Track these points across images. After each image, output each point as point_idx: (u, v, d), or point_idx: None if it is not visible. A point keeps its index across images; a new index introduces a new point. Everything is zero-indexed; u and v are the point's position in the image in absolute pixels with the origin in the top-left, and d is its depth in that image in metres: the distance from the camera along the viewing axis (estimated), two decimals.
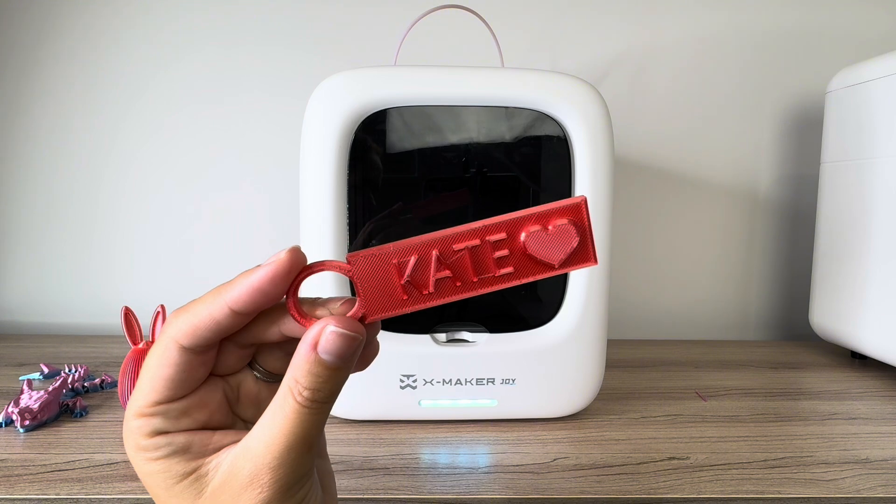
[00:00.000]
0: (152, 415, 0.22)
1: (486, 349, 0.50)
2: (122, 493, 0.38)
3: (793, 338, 0.88)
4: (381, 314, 0.23)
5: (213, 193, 0.82)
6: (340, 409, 0.51)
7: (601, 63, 0.82)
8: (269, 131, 0.81)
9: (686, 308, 0.87)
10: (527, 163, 0.69)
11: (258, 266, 0.22)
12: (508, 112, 0.50)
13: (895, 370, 0.68)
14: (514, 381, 0.50)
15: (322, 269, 0.23)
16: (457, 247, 0.23)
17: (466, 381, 0.50)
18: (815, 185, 0.75)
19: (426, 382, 0.50)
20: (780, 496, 0.40)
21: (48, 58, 0.79)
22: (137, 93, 0.80)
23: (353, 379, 0.51)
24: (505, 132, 0.71)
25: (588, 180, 0.49)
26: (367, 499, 0.39)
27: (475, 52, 0.73)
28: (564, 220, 0.22)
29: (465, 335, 0.51)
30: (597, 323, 0.50)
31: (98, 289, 0.83)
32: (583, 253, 0.23)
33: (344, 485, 0.40)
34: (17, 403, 0.49)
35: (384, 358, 0.49)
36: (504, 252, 0.23)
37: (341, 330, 0.22)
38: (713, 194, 0.85)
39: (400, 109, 0.49)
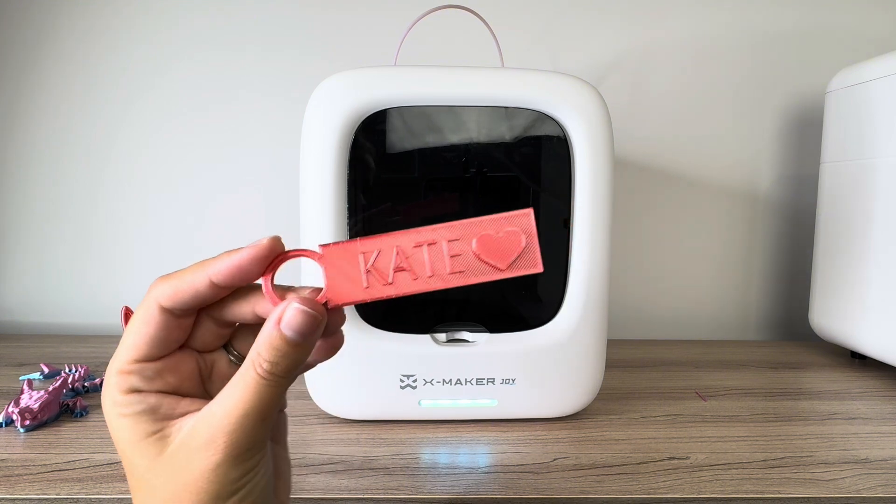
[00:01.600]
0: (130, 372, 0.24)
1: (486, 349, 0.50)
2: (122, 493, 0.38)
3: (793, 338, 0.88)
4: (344, 301, 0.25)
5: (213, 194, 0.82)
6: (340, 409, 0.51)
7: (601, 63, 0.82)
8: (269, 131, 0.81)
9: (686, 308, 0.87)
10: (527, 163, 0.69)
11: (241, 247, 0.24)
12: (508, 112, 0.50)
13: (895, 370, 0.68)
14: (514, 381, 0.50)
15: (297, 256, 0.26)
16: (416, 244, 0.25)
17: (466, 381, 0.50)
18: (815, 185, 0.75)
19: (426, 382, 0.50)
20: (780, 496, 0.40)
21: (48, 59, 0.79)
22: (137, 93, 0.80)
23: (354, 379, 0.51)
24: (505, 132, 0.70)
25: (588, 180, 0.49)
26: (367, 499, 0.39)
27: (475, 52, 0.73)
28: (514, 228, 0.25)
29: (465, 335, 0.51)
30: (597, 323, 0.51)
31: (98, 289, 0.83)
32: (530, 258, 0.25)
33: (344, 485, 0.40)
34: (17, 403, 0.49)
35: (384, 358, 0.49)
36: (458, 253, 0.25)
37: (303, 308, 0.24)
38: (713, 194, 0.85)
39: (400, 109, 0.49)
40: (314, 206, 0.48)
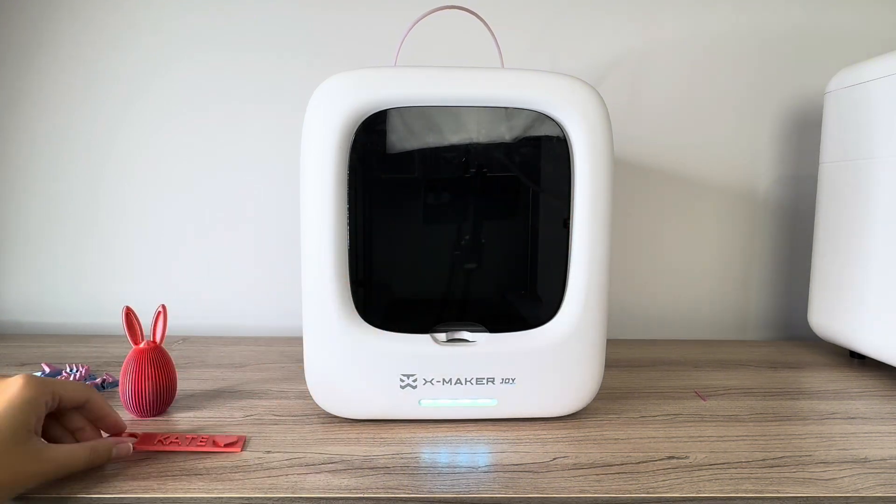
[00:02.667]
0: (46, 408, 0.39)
1: (486, 349, 0.50)
2: (122, 493, 0.38)
3: (792, 338, 0.88)
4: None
5: (213, 193, 0.82)
6: (340, 408, 0.51)
7: (601, 63, 0.82)
8: (270, 132, 0.81)
9: (686, 308, 0.87)
10: (527, 163, 0.69)
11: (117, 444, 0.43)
12: (508, 112, 0.50)
13: (894, 370, 0.68)
14: (513, 380, 0.50)
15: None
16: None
17: (466, 381, 0.50)
18: (814, 185, 0.75)
19: (426, 382, 0.50)
20: (779, 495, 0.40)
21: (47, 58, 0.79)
22: (137, 93, 0.80)
23: (354, 379, 0.51)
24: (505, 132, 0.71)
25: (588, 180, 0.49)
26: (367, 498, 0.39)
27: (475, 53, 0.73)
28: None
29: (465, 335, 0.51)
30: (596, 323, 0.51)
31: (99, 289, 0.83)
32: None
33: (344, 484, 0.40)
34: None
35: (384, 358, 0.49)
36: None
37: (130, 448, 0.43)
38: (713, 194, 0.85)
39: (400, 110, 0.49)
40: (314, 206, 0.48)
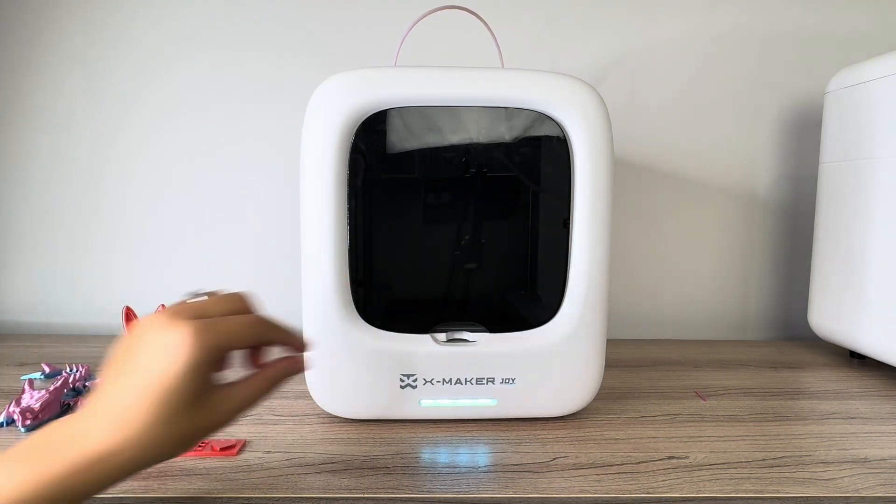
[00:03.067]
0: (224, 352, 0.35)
1: (486, 349, 0.50)
2: (122, 493, 0.38)
3: (792, 338, 0.88)
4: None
5: (213, 194, 0.82)
6: (340, 408, 0.51)
7: (601, 63, 0.82)
8: (270, 132, 0.81)
9: (685, 308, 0.87)
10: (527, 163, 0.69)
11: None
12: (508, 112, 0.50)
13: (894, 370, 0.68)
14: (513, 380, 0.50)
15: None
16: None
17: (466, 381, 0.50)
18: (814, 185, 0.75)
19: (426, 382, 0.50)
20: (779, 495, 0.40)
21: (46, 58, 0.79)
22: (138, 93, 0.80)
23: (353, 379, 0.51)
24: (505, 132, 0.71)
25: (588, 180, 0.49)
26: (367, 498, 0.39)
27: (475, 53, 0.73)
28: None
29: (465, 335, 0.51)
30: (596, 323, 0.51)
31: (99, 288, 0.83)
32: None
33: (344, 484, 0.40)
34: (18, 403, 0.49)
35: (384, 358, 0.49)
36: None
37: (303, 365, 0.39)
38: (713, 194, 0.85)
39: (400, 110, 0.49)
40: (314, 206, 0.48)
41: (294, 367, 0.39)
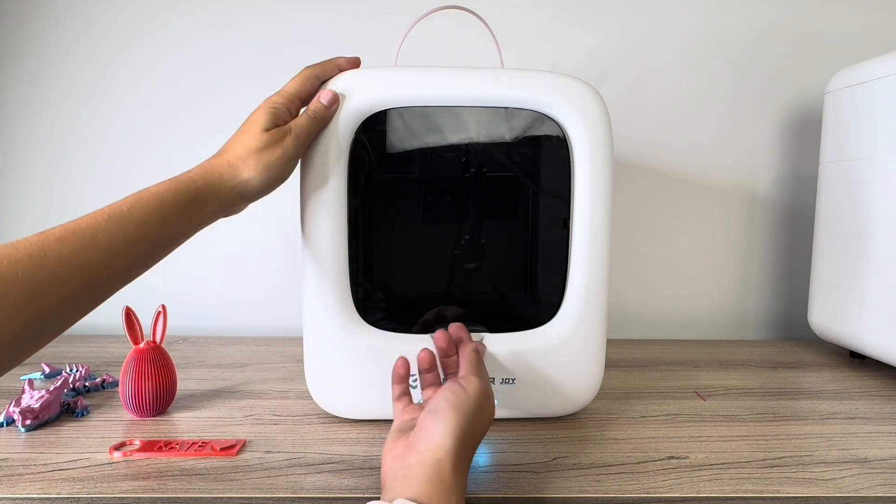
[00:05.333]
0: (291, 100, 0.46)
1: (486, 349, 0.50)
2: (122, 493, 0.38)
3: (792, 338, 0.88)
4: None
5: None
6: (340, 409, 0.51)
7: (601, 63, 0.82)
8: None
9: (686, 308, 0.87)
10: (527, 163, 0.69)
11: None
12: (508, 112, 0.50)
13: (894, 370, 0.68)
14: (513, 380, 0.50)
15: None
16: None
17: None
18: (814, 185, 0.75)
19: None
20: (779, 495, 0.40)
21: (45, 58, 0.79)
22: (137, 93, 0.80)
23: (354, 379, 0.51)
24: (505, 132, 0.71)
25: (588, 180, 0.49)
26: (367, 498, 0.39)
27: (475, 53, 0.73)
28: None
29: None
30: (597, 323, 0.51)
31: None
32: None
33: (344, 484, 0.40)
34: (18, 403, 0.49)
35: (384, 358, 0.49)
36: None
37: (332, 90, 0.47)
38: (713, 194, 0.85)
39: (400, 110, 0.49)
40: (315, 206, 0.48)
41: (330, 96, 0.47)
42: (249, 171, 0.42)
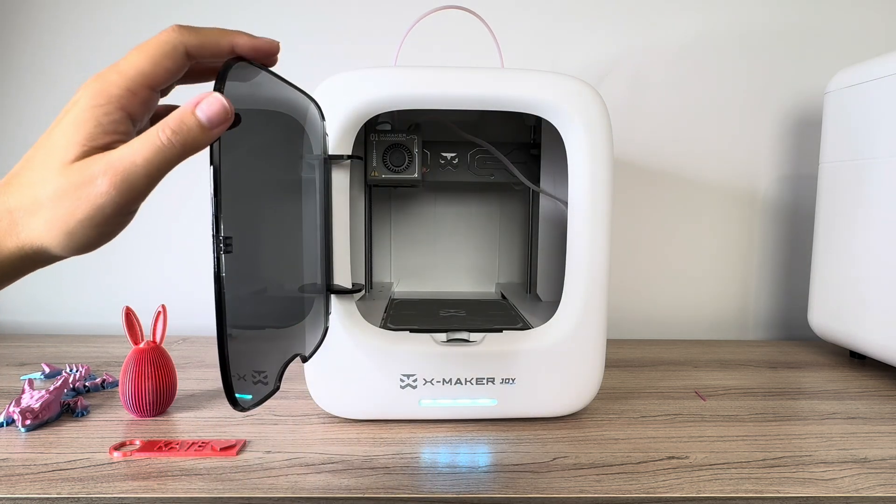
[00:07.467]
0: (135, 94, 0.27)
1: (486, 349, 0.50)
2: (122, 493, 0.38)
3: (792, 337, 0.88)
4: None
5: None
6: (340, 409, 0.51)
7: (601, 63, 0.82)
8: None
9: (685, 308, 0.87)
10: (527, 163, 0.69)
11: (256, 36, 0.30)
12: (509, 112, 0.50)
13: (894, 370, 0.68)
14: (513, 380, 0.50)
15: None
16: None
17: (466, 381, 0.50)
18: (813, 185, 0.75)
19: (426, 382, 0.50)
20: (779, 495, 0.40)
21: (44, 57, 0.79)
22: None
23: (354, 379, 0.51)
24: (505, 132, 0.71)
25: (588, 181, 0.49)
26: (367, 498, 0.39)
27: (475, 53, 0.73)
28: None
29: (464, 335, 0.51)
30: (597, 323, 0.51)
31: (99, 289, 0.83)
32: None
33: (344, 484, 0.40)
34: (18, 403, 0.49)
35: (384, 358, 0.49)
36: None
37: (222, 99, 0.27)
38: (713, 194, 0.85)
39: (401, 110, 0.49)
40: (315, 206, 0.48)
41: (207, 107, 0.27)
42: (41, 232, 0.25)
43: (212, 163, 0.27)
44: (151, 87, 0.27)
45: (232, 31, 0.29)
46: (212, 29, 0.29)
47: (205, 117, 0.26)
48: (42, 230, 0.25)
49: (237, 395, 0.29)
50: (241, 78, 0.30)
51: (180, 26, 0.28)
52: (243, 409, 0.30)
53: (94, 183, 0.25)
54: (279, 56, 0.33)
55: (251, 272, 0.33)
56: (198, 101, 0.26)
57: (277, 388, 0.34)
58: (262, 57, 0.31)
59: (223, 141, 0.28)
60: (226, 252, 0.27)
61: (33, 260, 0.26)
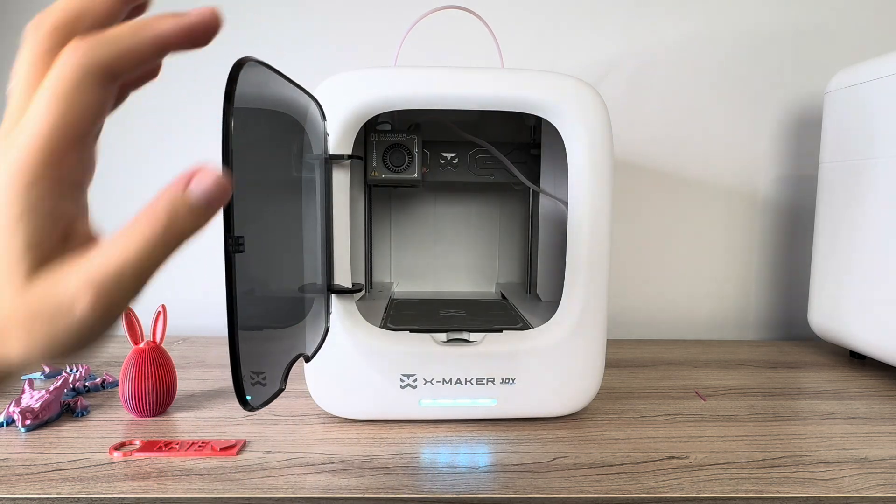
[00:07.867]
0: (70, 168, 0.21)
1: (486, 349, 0.50)
2: (122, 493, 0.38)
3: (792, 337, 0.88)
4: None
5: None
6: (340, 408, 0.51)
7: (601, 64, 0.82)
8: None
9: (686, 308, 0.87)
10: (527, 163, 0.69)
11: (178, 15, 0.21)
12: (509, 112, 0.50)
13: (894, 370, 0.68)
14: (513, 380, 0.50)
15: None
16: None
17: (466, 381, 0.50)
18: (813, 185, 0.75)
19: (426, 382, 0.50)
20: (779, 495, 0.40)
21: None
22: (137, 93, 0.80)
23: (354, 379, 0.51)
24: (505, 132, 0.71)
25: (587, 180, 0.49)
26: (367, 498, 0.39)
27: (475, 53, 0.73)
28: None
29: (465, 335, 0.51)
30: (597, 323, 0.51)
31: None
32: None
33: (344, 484, 0.40)
34: (18, 403, 0.49)
35: (384, 358, 0.49)
36: None
37: (215, 174, 0.21)
38: (712, 195, 0.85)
39: (401, 110, 0.49)
40: (315, 206, 0.48)
41: (200, 184, 0.21)
42: (17, 350, 0.19)
43: (224, 163, 0.27)
44: (80, 138, 0.20)
45: (148, 20, 0.20)
46: (121, 28, 0.20)
47: (203, 199, 0.21)
48: (22, 347, 0.19)
49: (247, 396, 0.29)
50: (242, 78, 0.30)
51: (79, 42, 0.20)
52: (252, 409, 0.30)
53: (73, 309, 0.19)
54: (273, 62, 0.31)
55: (257, 272, 0.33)
56: (187, 181, 0.21)
57: (283, 387, 0.35)
58: (199, 36, 0.21)
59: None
60: (237, 252, 0.27)
61: (9, 374, 0.20)
